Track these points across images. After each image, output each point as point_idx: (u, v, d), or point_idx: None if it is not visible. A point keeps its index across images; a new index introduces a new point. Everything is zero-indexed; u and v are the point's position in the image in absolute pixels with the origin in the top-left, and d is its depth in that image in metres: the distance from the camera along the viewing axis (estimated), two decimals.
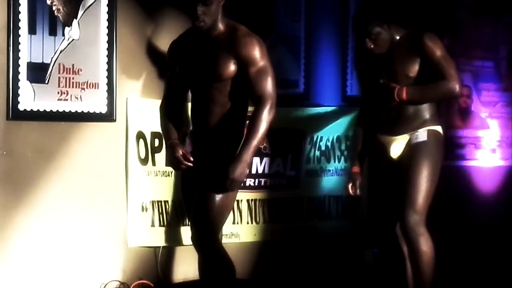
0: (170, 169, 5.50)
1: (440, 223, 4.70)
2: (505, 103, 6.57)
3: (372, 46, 4.54)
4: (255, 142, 4.18)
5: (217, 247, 4.29)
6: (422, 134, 4.58)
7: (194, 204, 4.27)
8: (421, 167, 4.51)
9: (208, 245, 4.26)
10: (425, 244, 4.50)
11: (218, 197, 4.22)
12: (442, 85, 4.49)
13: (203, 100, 4.30)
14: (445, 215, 6.02)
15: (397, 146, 4.63)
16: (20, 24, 4.99)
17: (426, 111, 4.59)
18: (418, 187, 4.49)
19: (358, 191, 4.80)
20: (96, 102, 5.29)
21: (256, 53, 4.22)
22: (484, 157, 6.54)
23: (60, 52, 5.15)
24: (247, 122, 4.29)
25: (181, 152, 4.30)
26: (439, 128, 4.62)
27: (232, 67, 4.23)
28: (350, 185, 4.81)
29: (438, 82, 4.49)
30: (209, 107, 4.29)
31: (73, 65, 5.20)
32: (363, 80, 4.75)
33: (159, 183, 5.51)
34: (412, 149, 4.57)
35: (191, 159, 4.30)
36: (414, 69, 4.53)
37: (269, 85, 4.22)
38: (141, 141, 5.47)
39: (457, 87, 4.50)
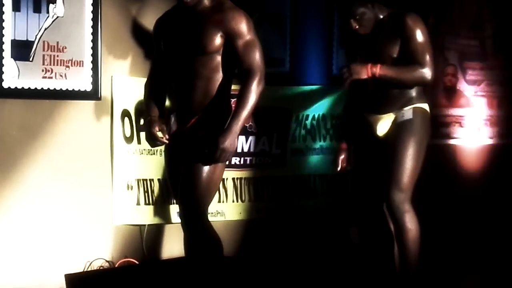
0: (156, 147, 5.50)
1: (425, 201, 4.71)
2: (490, 82, 6.58)
3: (357, 27, 4.54)
4: (245, 113, 4.16)
5: (205, 224, 4.27)
6: (408, 113, 4.59)
7: (181, 181, 4.26)
8: (406, 146, 4.53)
9: (196, 222, 4.25)
10: (411, 222, 4.51)
11: (205, 173, 4.19)
12: (415, 70, 4.49)
13: (187, 76, 4.27)
14: (429, 193, 6.04)
15: (383, 125, 4.64)
16: (4, 1, 4.97)
17: (412, 89, 4.59)
18: (403, 166, 4.50)
19: (349, 167, 4.83)
20: (81, 80, 5.27)
21: (244, 26, 4.21)
22: (469, 136, 6.55)
23: (45, 29, 5.13)
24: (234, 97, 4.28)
25: (157, 128, 4.29)
26: (425, 106, 4.63)
27: (218, 40, 4.21)
28: (341, 158, 4.84)
29: (413, 66, 4.50)
30: (193, 83, 4.26)
31: (57, 42, 5.18)
32: (351, 60, 4.75)
33: (144, 161, 5.51)
34: (398, 127, 4.58)
35: (167, 136, 4.30)
36: (396, 49, 4.53)
37: (257, 57, 4.21)
38: (126, 119, 5.47)
39: (429, 75, 4.51)
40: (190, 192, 4.21)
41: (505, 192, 6.52)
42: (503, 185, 6.52)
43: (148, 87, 4.48)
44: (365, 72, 4.49)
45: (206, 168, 4.20)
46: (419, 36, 4.50)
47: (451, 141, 6.45)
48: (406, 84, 4.56)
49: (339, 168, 4.88)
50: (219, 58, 4.24)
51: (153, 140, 4.34)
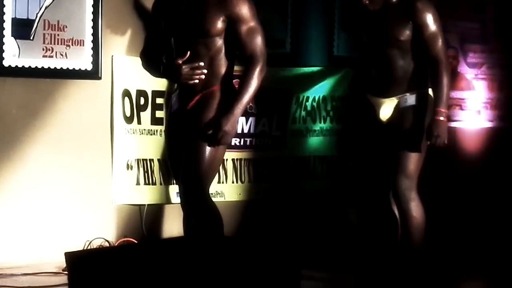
0: (155, 127, 5.52)
1: (425, 184, 4.72)
2: (491, 65, 6.57)
3: (367, 2, 4.52)
4: (247, 97, 4.22)
5: (207, 202, 4.30)
6: (411, 98, 4.57)
7: (183, 160, 4.27)
8: (414, 135, 4.53)
9: (198, 200, 4.27)
10: (416, 210, 4.52)
11: (208, 152, 4.22)
12: (440, 73, 4.48)
13: (190, 56, 4.27)
14: (429, 176, 6.04)
15: (386, 109, 4.63)
16: None
17: (416, 72, 4.57)
18: (410, 153, 4.51)
19: None
20: (81, 60, 5.27)
21: (247, 11, 4.22)
22: (469, 119, 6.55)
23: (45, 8, 5.12)
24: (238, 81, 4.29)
25: (180, 61, 4.25)
26: (429, 91, 4.61)
27: (220, 24, 4.22)
28: None
29: (437, 73, 4.48)
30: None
31: (58, 21, 5.17)
32: (357, 39, 4.75)
33: (144, 141, 5.51)
34: (401, 113, 4.57)
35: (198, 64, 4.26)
36: (405, 33, 4.50)
37: (260, 43, 4.25)
38: (127, 99, 5.46)
39: (446, 65, 4.51)
40: (193, 171, 4.23)
41: (505, 175, 6.52)
42: (503, 168, 6.52)
43: (145, 55, 4.47)
44: (445, 125, 4.50)
45: (209, 148, 4.22)
46: (431, 23, 4.48)
47: (452, 124, 6.45)
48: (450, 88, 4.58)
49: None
50: (221, 41, 4.26)
51: (181, 73, 4.25)
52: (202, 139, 4.22)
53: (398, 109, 4.60)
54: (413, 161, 4.53)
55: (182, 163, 4.28)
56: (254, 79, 4.21)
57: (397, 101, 4.60)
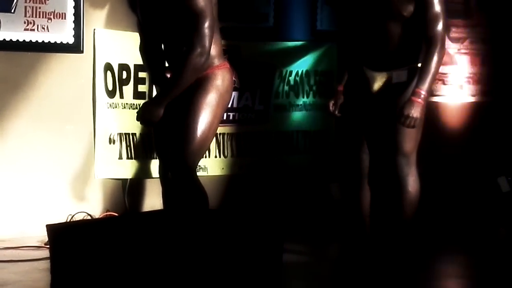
0: (137, 101, 5.50)
1: None
2: (474, 39, 6.58)
3: None
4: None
5: (195, 178, 4.35)
6: (402, 74, 4.52)
7: (176, 136, 4.31)
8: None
9: (187, 177, 4.31)
10: (412, 185, 4.48)
11: (201, 129, 4.28)
12: (433, 53, 4.35)
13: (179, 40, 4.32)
14: None
15: (378, 82, 4.59)
16: None
17: (412, 49, 4.53)
18: (406, 131, 4.45)
19: (337, 111, 4.79)
20: (63, 33, 5.24)
21: None
22: (451, 93, 6.57)
23: None
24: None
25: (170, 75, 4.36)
26: (418, 65, 4.56)
27: None
28: (331, 103, 4.80)
29: (430, 53, 4.38)
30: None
31: None
32: (343, 13, 4.72)
33: (126, 115, 5.49)
34: (393, 89, 4.53)
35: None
36: (409, 9, 4.43)
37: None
38: (109, 73, 5.44)
39: (444, 47, 4.43)
40: (186, 147, 4.27)
41: (487, 150, 6.55)
42: (485, 142, 6.55)
43: (143, 51, 4.57)
44: (421, 107, 4.36)
45: (202, 125, 4.28)
46: (436, 2, 4.37)
47: (434, 99, 6.46)
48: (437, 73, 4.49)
49: (331, 109, 4.82)
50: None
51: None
52: (196, 114, 4.27)
53: (390, 84, 4.55)
54: (408, 138, 4.47)
55: (174, 139, 4.31)
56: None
57: (390, 75, 4.54)
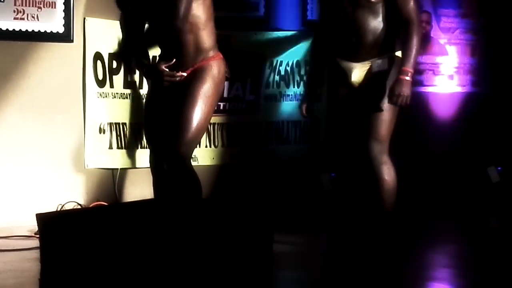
0: (128, 91, 5.49)
1: (398, 149, 4.74)
2: (464, 30, 6.59)
3: None
4: None
5: (190, 168, 4.39)
6: (383, 63, 4.57)
7: (172, 126, 4.33)
8: (383, 98, 4.53)
9: (182, 166, 4.34)
10: (388, 173, 4.54)
11: (197, 119, 4.31)
12: (412, 35, 4.45)
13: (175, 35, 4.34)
14: (402, 141, 6.07)
15: (357, 73, 4.61)
16: None
17: (387, 36, 4.56)
18: (381, 117, 4.51)
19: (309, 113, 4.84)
20: (53, 22, 5.22)
21: None
22: (442, 84, 6.58)
23: None
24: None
25: (164, 67, 4.37)
26: (399, 54, 4.60)
27: None
28: (304, 106, 4.83)
29: (410, 36, 4.45)
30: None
31: None
32: (321, 2, 4.73)
33: (116, 105, 5.48)
34: (373, 78, 4.57)
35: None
36: None
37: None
38: (99, 62, 5.43)
39: (420, 29, 4.51)
40: (182, 136, 4.30)
41: (477, 140, 6.57)
42: (475, 132, 6.56)
43: (125, 28, 4.54)
44: (409, 85, 4.46)
45: (198, 114, 4.31)
46: None
47: (425, 89, 6.47)
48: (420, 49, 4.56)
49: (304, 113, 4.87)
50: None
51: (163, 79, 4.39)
52: (193, 104, 4.29)
53: (370, 73, 4.59)
54: (384, 125, 4.54)
55: (170, 129, 4.33)
56: None
57: (369, 65, 4.59)
